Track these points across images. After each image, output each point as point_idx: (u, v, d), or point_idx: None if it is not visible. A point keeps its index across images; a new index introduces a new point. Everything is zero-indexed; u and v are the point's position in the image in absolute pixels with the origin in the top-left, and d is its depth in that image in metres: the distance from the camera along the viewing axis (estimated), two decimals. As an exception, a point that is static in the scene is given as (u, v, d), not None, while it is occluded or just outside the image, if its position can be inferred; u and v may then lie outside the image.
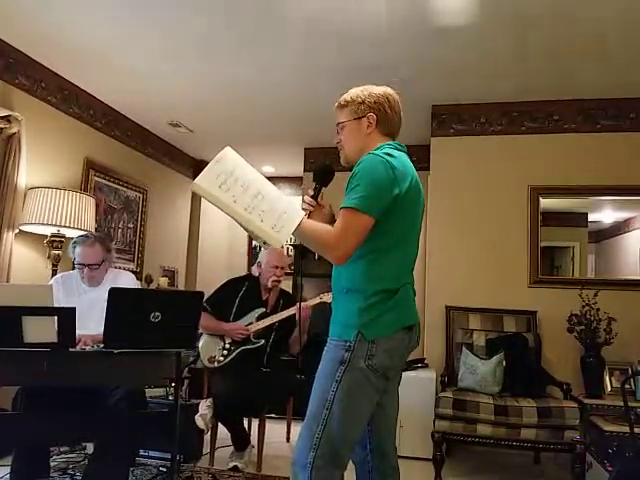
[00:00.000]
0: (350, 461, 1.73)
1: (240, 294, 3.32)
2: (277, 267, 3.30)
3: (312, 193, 1.75)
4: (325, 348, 1.64)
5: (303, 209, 1.71)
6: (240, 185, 1.51)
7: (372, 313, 1.57)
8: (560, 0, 2.79)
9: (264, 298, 3.35)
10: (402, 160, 1.65)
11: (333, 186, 1.82)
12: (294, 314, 3.18)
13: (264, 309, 3.29)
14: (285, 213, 1.54)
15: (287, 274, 5.31)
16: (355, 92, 1.76)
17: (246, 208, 1.49)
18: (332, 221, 1.62)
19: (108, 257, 2.80)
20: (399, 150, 1.72)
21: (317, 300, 3.17)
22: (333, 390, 1.55)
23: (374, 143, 1.71)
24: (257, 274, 3.39)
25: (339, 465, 1.57)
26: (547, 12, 2.89)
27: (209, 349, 3.21)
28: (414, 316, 1.67)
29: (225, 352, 3.18)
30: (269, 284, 3.30)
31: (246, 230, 1.54)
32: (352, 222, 1.53)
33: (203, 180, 1.50)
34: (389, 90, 1.78)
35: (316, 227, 1.57)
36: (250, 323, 3.22)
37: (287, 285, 4.65)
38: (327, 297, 3.09)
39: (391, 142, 1.74)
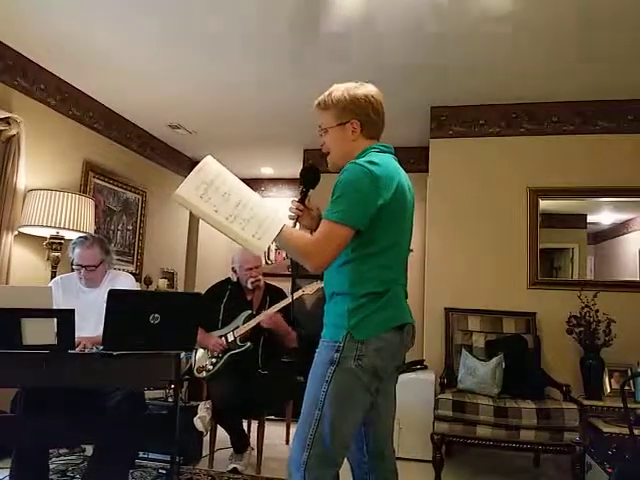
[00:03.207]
0: (348, 462, 1.74)
1: (224, 300, 3.31)
2: (251, 268, 3.28)
3: (299, 197, 1.74)
4: (317, 349, 1.64)
5: (291, 214, 1.71)
6: (221, 195, 1.51)
7: (361, 313, 1.57)
8: (559, 2, 2.80)
9: (249, 299, 3.34)
10: (386, 164, 1.62)
11: (321, 187, 1.80)
12: (284, 307, 3.17)
13: (250, 311, 3.28)
14: (266, 220, 1.54)
15: (285, 276, 5.34)
16: (337, 94, 1.71)
17: (227, 217, 1.50)
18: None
19: (106, 259, 2.79)
20: (384, 152, 1.70)
21: (300, 293, 3.17)
22: (324, 391, 1.55)
23: (359, 147, 1.70)
24: (235, 279, 3.38)
25: (332, 465, 1.57)
26: (546, 14, 2.90)
27: (200, 359, 3.22)
28: (405, 316, 1.66)
29: (214, 360, 3.18)
30: (249, 286, 3.29)
31: (228, 237, 1.53)
32: (332, 233, 1.53)
33: (184, 190, 1.49)
34: (372, 90, 1.72)
35: (296, 235, 1.57)
36: (237, 327, 3.22)
37: (286, 287, 4.65)
38: (308, 289, 3.11)
39: (375, 144, 1.71)
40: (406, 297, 1.72)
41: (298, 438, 1.59)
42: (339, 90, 1.71)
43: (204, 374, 3.17)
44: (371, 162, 1.58)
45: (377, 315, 1.58)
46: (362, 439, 1.72)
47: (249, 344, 3.18)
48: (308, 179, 1.76)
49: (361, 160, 1.60)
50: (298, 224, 1.73)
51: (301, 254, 1.56)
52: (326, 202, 1.59)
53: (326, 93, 1.74)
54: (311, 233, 1.66)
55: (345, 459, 1.68)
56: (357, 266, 1.60)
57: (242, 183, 1.59)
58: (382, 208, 1.56)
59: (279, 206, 1.78)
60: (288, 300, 3.20)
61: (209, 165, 1.55)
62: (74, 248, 2.74)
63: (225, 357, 3.17)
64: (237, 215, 1.51)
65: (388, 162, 1.65)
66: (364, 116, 1.69)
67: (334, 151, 1.74)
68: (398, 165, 1.71)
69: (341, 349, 1.55)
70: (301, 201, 1.73)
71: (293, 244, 1.57)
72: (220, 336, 3.21)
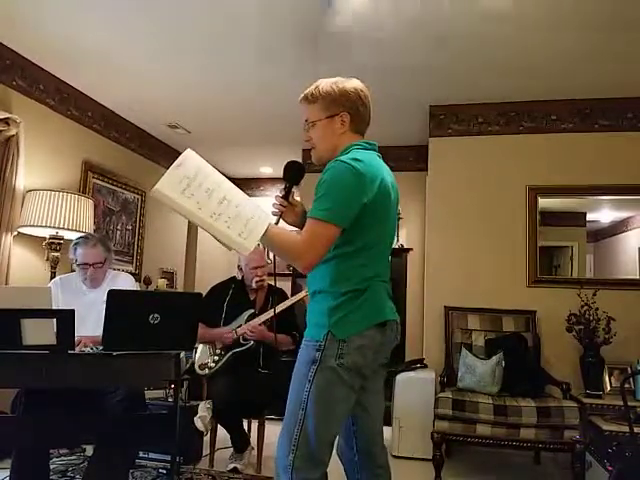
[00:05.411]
0: (339, 460, 1.75)
1: (227, 299, 3.30)
2: (257, 267, 3.28)
3: (282, 193, 1.71)
4: (300, 349, 1.64)
5: (274, 211, 1.68)
6: (204, 190, 1.46)
7: (341, 312, 1.56)
8: (559, 1, 2.80)
9: (252, 299, 3.34)
10: (370, 162, 1.60)
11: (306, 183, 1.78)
12: (285, 309, 3.17)
13: (253, 310, 3.27)
14: (252, 218, 1.50)
15: (285, 275, 5.35)
16: (325, 87, 1.67)
17: (212, 215, 1.44)
18: (305, 219, 1.59)
19: (109, 257, 2.81)
20: (368, 149, 1.68)
21: (302, 295, 3.16)
22: (307, 390, 1.55)
23: (346, 141, 1.67)
24: (240, 277, 3.39)
25: (319, 464, 1.57)
26: (546, 13, 2.90)
27: (201, 357, 3.21)
28: (387, 313, 1.64)
29: (216, 358, 3.17)
30: (254, 285, 3.28)
31: (212, 236, 1.48)
32: (318, 232, 1.51)
33: (164, 186, 1.42)
34: (360, 85, 1.70)
35: (283, 235, 1.55)
36: (239, 326, 3.22)
37: (286, 286, 4.65)
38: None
39: (360, 141, 1.69)
40: (389, 295, 1.70)
41: (283, 439, 1.59)
42: (327, 83, 1.68)
43: (206, 371, 3.17)
44: (355, 159, 1.56)
45: (357, 313, 1.57)
46: (351, 437, 1.72)
47: (252, 342, 3.18)
48: (292, 175, 1.73)
49: (345, 157, 1.58)
50: (281, 220, 1.70)
51: (289, 255, 1.55)
52: (311, 198, 1.57)
53: (312, 86, 1.70)
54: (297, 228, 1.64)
55: (336, 457, 1.68)
56: (338, 264, 1.59)
57: (225, 178, 1.55)
58: (366, 206, 1.55)
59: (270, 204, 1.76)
60: (286, 304, 3.18)
61: (190, 159, 1.50)
62: (76, 249, 2.74)
63: (228, 355, 3.17)
64: (222, 213, 1.46)
65: (372, 159, 1.64)
66: (353, 109, 1.67)
67: (321, 145, 1.71)
68: (382, 162, 1.69)
69: (322, 348, 1.55)
70: (285, 197, 1.70)
71: (280, 244, 1.55)
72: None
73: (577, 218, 4.13)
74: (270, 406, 3.20)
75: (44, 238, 3.64)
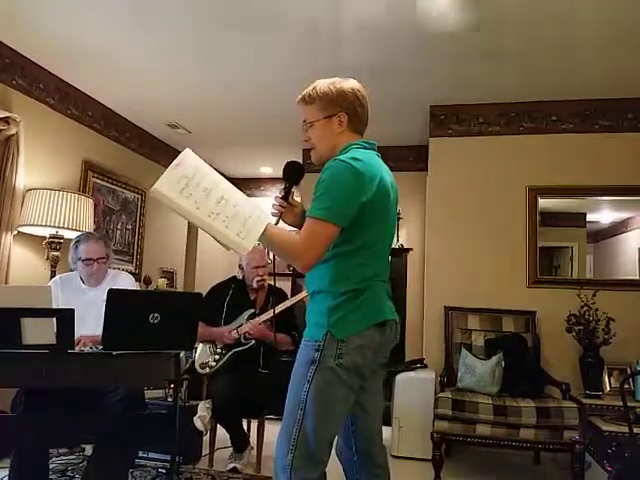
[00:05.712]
0: (338, 460, 1.75)
1: (227, 299, 3.31)
2: (258, 267, 3.28)
3: (282, 194, 1.71)
4: (299, 349, 1.64)
5: (274, 211, 1.68)
6: (202, 190, 1.46)
7: (340, 312, 1.56)
8: (560, 2, 2.80)
9: (252, 298, 3.34)
10: (369, 161, 1.60)
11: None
12: (285, 309, 3.18)
13: (253, 310, 3.27)
14: (250, 218, 1.50)
15: (285, 275, 5.35)
16: (322, 88, 1.67)
17: (210, 214, 1.45)
18: (304, 219, 1.59)
19: (110, 254, 2.84)
20: (367, 149, 1.68)
21: (302, 295, 3.16)
22: (305, 390, 1.55)
23: (345, 141, 1.67)
24: (241, 277, 3.39)
25: (318, 464, 1.57)
26: (547, 14, 2.90)
27: (201, 356, 3.21)
28: (386, 312, 1.64)
29: (217, 357, 3.18)
30: (254, 285, 3.29)
31: (210, 235, 1.48)
32: (317, 231, 1.51)
33: (163, 186, 1.42)
34: (357, 85, 1.71)
35: (281, 235, 1.55)
36: (240, 325, 3.22)
37: (286, 286, 4.65)
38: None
39: (359, 141, 1.69)
40: (389, 294, 1.70)
41: (282, 439, 1.58)
42: (324, 84, 1.69)
43: (207, 370, 3.17)
44: (354, 158, 1.56)
45: (357, 313, 1.57)
46: (350, 437, 1.72)
47: (253, 342, 3.18)
48: (292, 175, 1.74)
49: (343, 156, 1.58)
50: (281, 221, 1.70)
51: (288, 254, 1.55)
52: (311, 198, 1.57)
53: (310, 87, 1.71)
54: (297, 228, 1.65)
55: (335, 457, 1.68)
56: (337, 264, 1.59)
57: (222, 178, 1.55)
58: (365, 205, 1.55)
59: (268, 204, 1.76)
60: (286, 304, 3.19)
61: (189, 159, 1.50)
62: (77, 246, 2.75)
63: (229, 354, 3.17)
64: (220, 212, 1.46)
65: (371, 159, 1.64)
66: (351, 109, 1.68)
67: (320, 145, 1.71)
68: (381, 162, 1.70)
69: (321, 348, 1.55)
70: (284, 197, 1.71)
71: (279, 244, 1.55)
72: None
73: (577, 219, 4.13)
74: (270, 406, 3.21)
75: (44, 237, 3.64)
